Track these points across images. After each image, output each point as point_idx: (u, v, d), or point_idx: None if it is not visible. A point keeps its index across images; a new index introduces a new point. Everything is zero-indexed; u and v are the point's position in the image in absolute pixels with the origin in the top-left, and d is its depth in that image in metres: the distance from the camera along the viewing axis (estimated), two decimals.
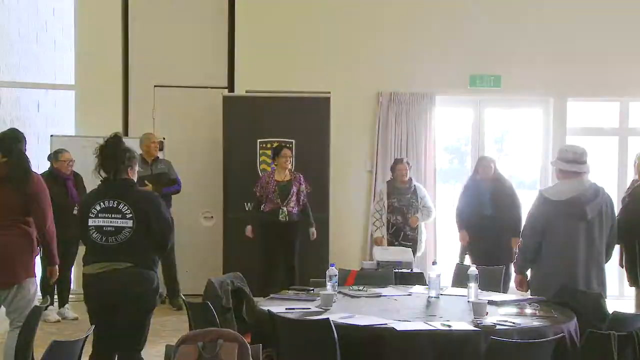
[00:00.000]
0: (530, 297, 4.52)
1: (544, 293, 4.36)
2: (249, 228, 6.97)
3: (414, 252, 6.79)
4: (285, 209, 6.76)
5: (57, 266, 4.64)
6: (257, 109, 7.58)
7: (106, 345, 3.95)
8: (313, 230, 6.96)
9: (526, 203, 6.83)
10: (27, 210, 4.39)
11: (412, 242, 6.91)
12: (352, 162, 8.11)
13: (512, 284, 6.46)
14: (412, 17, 8.17)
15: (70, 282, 6.88)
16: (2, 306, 4.44)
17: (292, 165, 7.08)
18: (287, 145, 7.09)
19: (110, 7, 8.25)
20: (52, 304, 6.71)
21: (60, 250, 6.41)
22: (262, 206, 6.89)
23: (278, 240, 6.87)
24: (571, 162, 4.44)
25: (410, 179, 7.12)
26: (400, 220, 7.01)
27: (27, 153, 4.57)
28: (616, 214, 4.68)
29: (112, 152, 3.98)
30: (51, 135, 7.83)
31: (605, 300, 4.44)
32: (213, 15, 8.32)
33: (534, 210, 4.53)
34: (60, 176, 6.69)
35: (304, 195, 6.89)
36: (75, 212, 6.48)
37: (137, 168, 4.16)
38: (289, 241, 6.88)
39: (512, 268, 6.61)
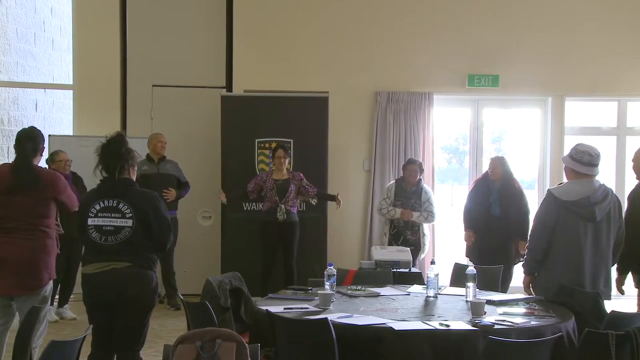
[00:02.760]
0: (528, 296, 4.53)
1: (550, 292, 4.36)
2: (222, 195, 6.91)
3: (416, 253, 6.80)
4: (283, 206, 6.74)
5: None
6: (255, 109, 7.58)
7: (105, 345, 3.95)
8: (338, 197, 6.84)
9: (529, 202, 6.84)
10: (45, 212, 4.35)
11: (413, 246, 6.78)
12: (350, 162, 8.12)
13: (511, 283, 6.51)
14: (409, 16, 8.17)
15: (74, 282, 6.87)
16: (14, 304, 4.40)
17: (290, 165, 7.08)
18: (284, 145, 7.07)
19: (108, 7, 8.25)
20: (51, 304, 6.70)
21: (65, 249, 6.40)
22: (254, 206, 6.90)
23: (276, 240, 6.86)
24: (586, 165, 4.43)
25: (420, 181, 7.07)
26: (402, 224, 6.99)
27: (42, 152, 4.52)
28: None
29: (116, 151, 3.95)
30: (49, 135, 7.81)
31: (610, 300, 4.44)
32: (211, 15, 8.31)
33: (543, 210, 4.50)
34: None
35: (311, 188, 6.86)
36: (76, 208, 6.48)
37: (136, 167, 4.15)
38: (288, 241, 6.86)
39: (514, 268, 6.66)
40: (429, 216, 6.98)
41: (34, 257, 4.30)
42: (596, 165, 4.45)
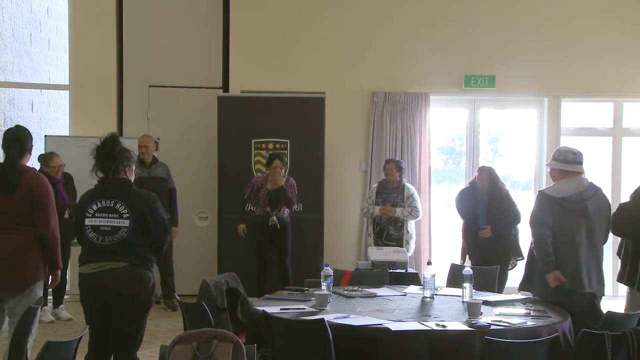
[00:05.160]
0: (524, 297, 4.54)
1: (549, 292, 4.35)
2: (240, 227, 6.96)
3: None
4: (274, 218, 6.77)
5: (59, 271, 4.42)
6: (251, 109, 7.58)
7: (102, 345, 3.95)
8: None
9: (522, 204, 6.87)
10: (30, 211, 4.23)
11: (396, 242, 6.82)
12: (346, 163, 8.11)
13: (507, 284, 6.52)
14: (406, 17, 8.17)
15: (65, 283, 6.86)
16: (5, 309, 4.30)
17: (287, 167, 7.07)
18: (280, 154, 7.04)
19: (104, 7, 8.23)
20: (46, 304, 6.69)
21: None
22: (251, 207, 6.91)
23: (269, 241, 6.86)
24: (571, 163, 4.48)
25: (401, 180, 7.10)
26: (384, 219, 7.00)
27: (31, 150, 4.42)
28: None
29: (109, 152, 3.96)
30: (45, 136, 7.80)
31: (602, 298, 4.46)
32: (208, 16, 8.31)
33: (538, 208, 4.50)
34: (50, 179, 6.65)
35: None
36: (66, 215, 6.43)
37: (134, 168, 4.15)
38: (281, 242, 6.87)
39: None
40: (414, 211, 6.96)
41: (17, 257, 4.18)
42: (581, 162, 4.52)
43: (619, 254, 5.59)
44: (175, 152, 7.76)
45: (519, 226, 6.75)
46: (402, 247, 6.76)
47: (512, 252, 6.65)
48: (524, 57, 8.12)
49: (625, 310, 5.09)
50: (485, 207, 6.67)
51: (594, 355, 3.46)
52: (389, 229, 6.96)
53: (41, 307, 5.58)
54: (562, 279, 4.38)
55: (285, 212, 6.88)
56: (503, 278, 6.41)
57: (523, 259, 6.63)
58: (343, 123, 8.03)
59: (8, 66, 8.78)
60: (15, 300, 4.24)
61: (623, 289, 7.23)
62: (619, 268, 5.24)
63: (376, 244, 6.85)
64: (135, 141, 7.11)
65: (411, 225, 7.07)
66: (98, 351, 3.96)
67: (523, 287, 4.84)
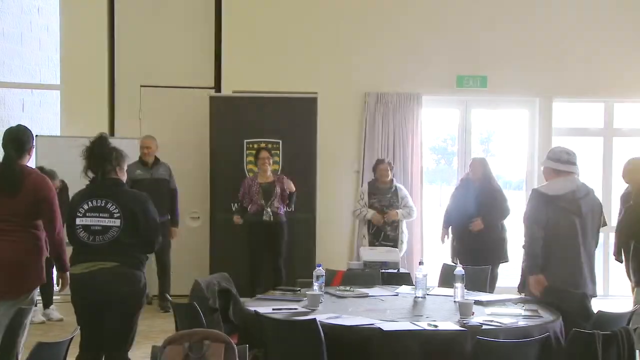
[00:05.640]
0: (516, 297, 4.54)
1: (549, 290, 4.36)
2: (236, 217, 6.94)
3: None
4: (269, 209, 6.76)
5: (68, 273, 4.28)
6: (244, 110, 7.57)
7: (93, 345, 3.93)
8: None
9: (513, 203, 6.91)
10: (34, 213, 4.16)
11: (392, 243, 6.86)
12: (339, 163, 8.11)
13: (498, 284, 6.54)
14: (398, 18, 8.18)
15: (53, 283, 6.81)
16: None
17: (279, 166, 7.07)
18: (269, 146, 7.06)
19: (95, 7, 8.20)
20: (36, 305, 6.65)
21: None
22: (248, 207, 6.91)
23: (264, 241, 6.86)
24: (565, 163, 4.49)
25: (392, 180, 7.11)
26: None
27: (31, 151, 4.36)
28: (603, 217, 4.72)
29: (98, 153, 3.96)
30: (36, 136, 7.74)
31: (595, 298, 4.47)
32: (200, 15, 8.29)
33: (532, 207, 4.49)
34: None
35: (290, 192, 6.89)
36: None
37: (125, 167, 4.13)
38: (275, 242, 6.87)
39: (499, 268, 6.70)
40: (411, 211, 7.02)
41: (22, 260, 4.13)
42: (574, 163, 4.52)
43: (616, 257, 5.61)
44: (167, 152, 7.72)
45: (508, 226, 6.76)
46: (398, 246, 6.81)
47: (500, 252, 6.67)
48: (516, 58, 8.15)
49: None
50: (477, 197, 6.67)
51: (584, 355, 3.47)
52: (386, 230, 6.97)
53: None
54: (544, 284, 4.31)
55: (282, 209, 6.88)
56: (494, 278, 6.43)
57: (507, 262, 6.67)
58: (335, 123, 8.03)
59: None
60: (12, 302, 4.14)
61: (615, 289, 7.28)
62: (629, 270, 5.28)
63: (372, 244, 6.85)
64: (127, 141, 7.06)
65: (404, 224, 7.10)
66: (89, 352, 3.95)
67: (522, 288, 4.83)
